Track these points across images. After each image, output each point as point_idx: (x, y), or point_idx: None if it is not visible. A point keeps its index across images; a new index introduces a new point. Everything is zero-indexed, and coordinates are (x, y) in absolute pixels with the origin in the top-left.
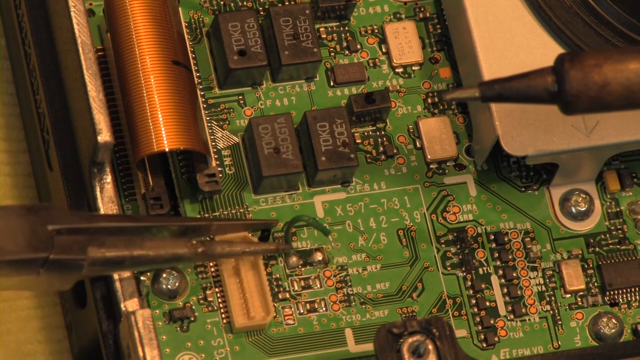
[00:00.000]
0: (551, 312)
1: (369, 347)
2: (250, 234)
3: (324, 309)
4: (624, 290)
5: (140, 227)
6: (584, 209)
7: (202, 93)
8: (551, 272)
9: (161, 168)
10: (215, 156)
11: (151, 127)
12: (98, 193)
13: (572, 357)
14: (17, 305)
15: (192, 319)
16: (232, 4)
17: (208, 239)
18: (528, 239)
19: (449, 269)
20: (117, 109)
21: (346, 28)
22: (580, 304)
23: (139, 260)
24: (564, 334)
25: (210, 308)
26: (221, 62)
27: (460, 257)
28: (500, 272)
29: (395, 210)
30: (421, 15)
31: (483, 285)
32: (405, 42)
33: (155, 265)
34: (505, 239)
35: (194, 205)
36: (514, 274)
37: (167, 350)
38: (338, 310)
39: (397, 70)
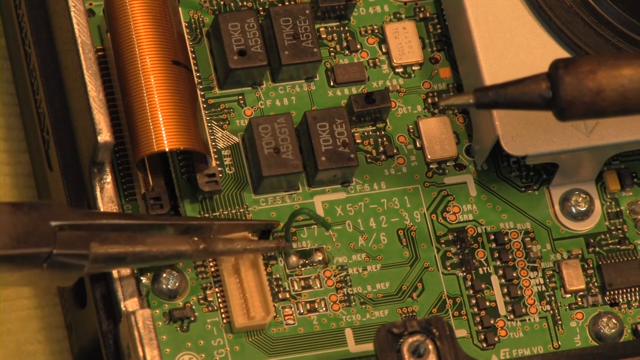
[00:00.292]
0: (551, 312)
1: (369, 347)
2: (250, 234)
3: (324, 309)
4: (624, 290)
5: (142, 225)
6: (584, 209)
7: (202, 93)
8: (551, 272)
9: (161, 168)
10: (215, 156)
11: (151, 127)
12: (98, 193)
13: (572, 357)
14: (17, 305)
15: (192, 319)
16: (232, 4)
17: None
18: (528, 239)
19: (449, 269)
20: (117, 109)
21: (346, 28)
22: (580, 304)
23: (141, 256)
24: (564, 334)
25: (210, 308)
26: (221, 62)
27: (460, 257)
28: (500, 272)
29: (395, 210)
30: (421, 15)
31: (483, 285)
32: (405, 42)
33: (156, 262)
34: (505, 239)
35: (194, 205)
36: (514, 274)
37: (167, 350)
38: (338, 310)
39: (397, 70)
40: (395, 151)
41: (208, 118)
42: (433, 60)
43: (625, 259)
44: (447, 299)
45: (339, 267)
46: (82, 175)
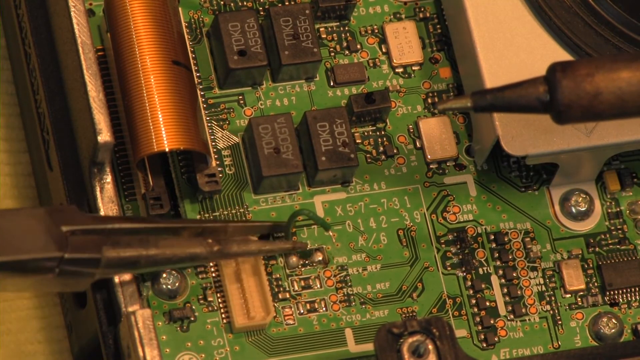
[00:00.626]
0: (551, 312)
1: (369, 347)
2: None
3: (324, 309)
4: (624, 290)
5: (156, 229)
6: (584, 209)
7: (202, 93)
8: (551, 272)
9: (161, 168)
10: (215, 156)
11: (151, 127)
12: (98, 193)
13: (572, 357)
14: (17, 305)
15: (192, 319)
16: (232, 4)
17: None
18: (528, 239)
19: (449, 269)
20: (117, 109)
21: (346, 28)
22: (580, 304)
23: (155, 259)
24: (564, 334)
25: (210, 308)
26: (221, 62)
27: (460, 257)
28: (500, 272)
29: (395, 210)
30: (421, 15)
31: (483, 285)
32: (405, 42)
33: (170, 265)
34: (505, 239)
35: (194, 205)
36: (514, 274)
37: (167, 350)
38: (338, 310)
39: (397, 70)
40: (395, 151)
41: (208, 118)
42: (433, 60)
43: (625, 259)
44: (447, 299)
45: (339, 267)
46: (82, 175)
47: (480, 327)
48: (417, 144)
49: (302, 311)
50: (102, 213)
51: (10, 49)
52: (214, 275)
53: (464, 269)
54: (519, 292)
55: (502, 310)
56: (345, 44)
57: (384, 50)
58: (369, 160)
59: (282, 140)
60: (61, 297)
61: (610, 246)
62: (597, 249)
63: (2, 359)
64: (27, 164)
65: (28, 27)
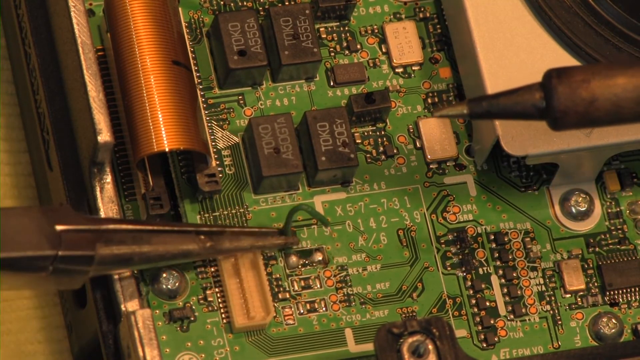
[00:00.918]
0: (551, 312)
1: (369, 347)
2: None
3: (324, 309)
4: (624, 290)
5: (151, 231)
6: (584, 209)
7: (202, 93)
8: (551, 272)
9: (161, 168)
10: (215, 156)
11: (151, 127)
12: (98, 193)
13: (572, 357)
14: (17, 305)
15: (192, 319)
16: (232, 4)
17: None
18: (528, 239)
19: (449, 269)
20: (117, 109)
21: (346, 28)
22: (580, 304)
23: (148, 256)
24: (564, 334)
25: (210, 308)
26: (221, 62)
27: (460, 257)
28: (500, 272)
29: (395, 210)
30: (421, 15)
31: (483, 285)
32: (405, 42)
33: (164, 262)
34: (505, 239)
35: (193, 205)
36: (514, 274)
37: (167, 350)
38: (338, 310)
39: (397, 70)
40: (395, 151)
41: (208, 118)
42: (433, 60)
43: (625, 259)
44: (447, 299)
45: (339, 267)
46: (82, 175)
47: (480, 327)
48: (417, 144)
49: (302, 311)
50: (102, 213)
51: (10, 49)
52: (214, 275)
53: (464, 269)
54: (519, 292)
55: (502, 310)
56: (345, 44)
57: (384, 50)
58: (369, 160)
59: (282, 140)
60: (61, 297)
61: (610, 246)
62: (597, 249)
63: (2, 359)
64: (27, 164)
65: (28, 27)
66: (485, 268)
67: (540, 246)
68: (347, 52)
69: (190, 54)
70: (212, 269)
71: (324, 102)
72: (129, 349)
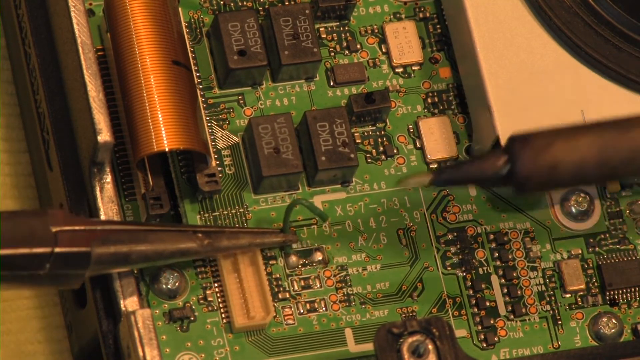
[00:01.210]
0: (551, 312)
1: (368, 347)
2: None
3: (323, 308)
4: (624, 290)
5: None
6: (584, 208)
7: (202, 93)
8: (551, 272)
9: (161, 168)
10: (215, 156)
11: (151, 127)
12: (98, 193)
13: (572, 357)
14: (17, 305)
15: (192, 318)
16: (232, 4)
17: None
18: (528, 238)
19: (449, 268)
20: (117, 108)
21: (346, 28)
22: (580, 303)
23: (146, 254)
24: (564, 334)
25: (210, 308)
26: (221, 62)
27: (460, 257)
28: (500, 272)
29: (395, 210)
30: (421, 15)
31: (483, 285)
32: (405, 42)
33: (162, 261)
34: (505, 239)
35: (193, 205)
36: (514, 274)
37: (167, 350)
38: (338, 310)
39: (397, 70)
40: (395, 151)
41: (208, 118)
42: (433, 60)
43: (625, 259)
44: (447, 298)
45: (339, 267)
46: (82, 175)
47: (480, 327)
48: (417, 143)
49: (302, 311)
50: (102, 213)
51: (10, 49)
52: (213, 275)
53: (463, 268)
54: (518, 292)
55: (502, 310)
56: (345, 44)
57: (383, 50)
58: (369, 160)
59: (282, 140)
60: (61, 297)
61: (610, 246)
62: (597, 249)
63: (2, 359)
64: (27, 164)
65: (28, 27)
66: (485, 268)
67: (540, 246)
68: (347, 52)
69: (190, 54)
70: (212, 269)
71: (323, 102)
72: (129, 349)
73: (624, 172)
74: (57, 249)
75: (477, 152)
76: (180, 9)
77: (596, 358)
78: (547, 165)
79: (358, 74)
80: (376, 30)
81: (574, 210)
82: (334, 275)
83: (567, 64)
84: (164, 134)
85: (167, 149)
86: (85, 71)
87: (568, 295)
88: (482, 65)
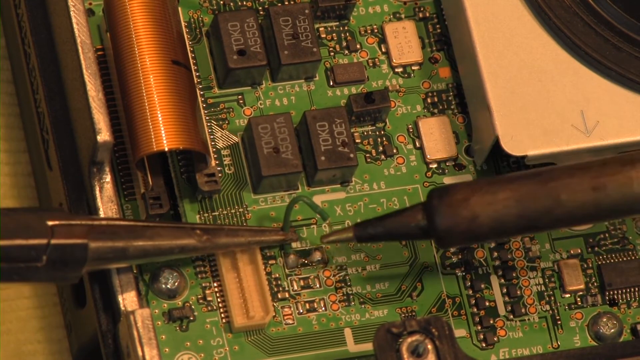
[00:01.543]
0: (550, 312)
1: (368, 346)
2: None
3: (323, 308)
4: (624, 290)
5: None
6: None
7: (201, 93)
8: (551, 272)
9: (161, 168)
10: (215, 156)
11: (150, 127)
12: (97, 193)
13: (571, 357)
14: (17, 305)
15: (192, 318)
16: (231, 4)
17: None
18: (527, 238)
19: (449, 268)
20: (116, 108)
21: (346, 28)
22: (579, 303)
23: (144, 248)
24: (564, 334)
25: (209, 308)
26: (221, 61)
27: (460, 256)
28: (500, 272)
29: (395, 210)
30: (421, 15)
31: (482, 285)
32: (405, 42)
33: (161, 257)
34: (505, 239)
35: (193, 204)
36: (514, 274)
37: (167, 349)
38: (337, 310)
39: (396, 70)
40: (394, 151)
41: (207, 118)
42: (433, 60)
43: (625, 259)
44: (446, 298)
45: (338, 267)
46: (81, 174)
47: (479, 327)
48: (417, 143)
49: (301, 311)
50: (101, 212)
51: (10, 49)
52: (213, 275)
53: (463, 268)
54: (518, 292)
55: (501, 310)
56: (344, 44)
57: (383, 50)
58: (369, 160)
59: (281, 140)
60: (61, 297)
61: (610, 246)
62: (596, 249)
63: (2, 359)
64: (27, 163)
65: (28, 27)
66: (484, 268)
67: (539, 246)
68: (346, 51)
69: (189, 54)
70: (212, 269)
71: (323, 101)
72: (128, 349)
73: (544, 224)
74: (53, 241)
75: (476, 152)
76: (179, 8)
77: (596, 358)
78: (466, 219)
79: (358, 74)
80: (376, 30)
81: None
82: (334, 275)
83: (566, 63)
84: (163, 133)
85: (166, 149)
86: (84, 71)
87: (567, 295)
88: (482, 65)
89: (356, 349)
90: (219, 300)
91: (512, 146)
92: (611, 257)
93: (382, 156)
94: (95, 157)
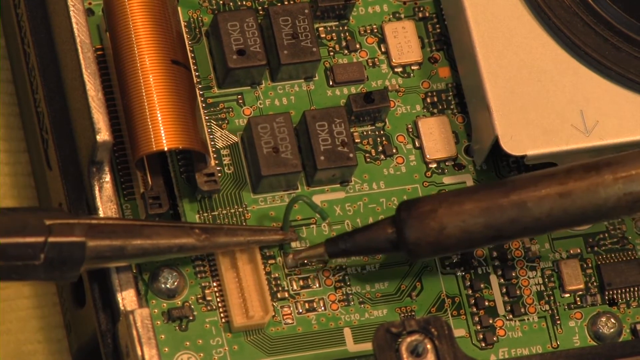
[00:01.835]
0: (550, 311)
1: (367, 346)
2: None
3: (322, 308)
4: (623, 290)
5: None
6: None
7: (201, 92)
8: (550, 272)
9: (160, 167)
10: (214, 155)
11: (150, 127)
12: (97, 192)
13: (571, 357)
14: (17, 305)
15: (191, 318)
16: (231, 4)
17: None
18: (527, 238)
19: (448, 268)
20: (116, 108)
21: (345, 27)
22: (579, 303)
23: (142, 247)
24: (563, 334)
25: (209, 307)
26: (220, 61)
27: (459, 256)
28: (499, 271)
29: (394, 210)
30: (420, 14)
31: (482, 285)
32: (405, 42)
33: (159, 256)
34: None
35: (192, 204)
36: (513, 274)
37: (166, 349)
38: (337, 310)
39: (396, 69)
40: (394, 151)
41: (207, 117)
42: (432, 59)
43: (624, 259)
44: (445, 298)
45: (338, 267)
46: (81, 174)
47: (479, 327)
48: (416, 143)
49: (300, 310)
50: (101, 212)
51: (10, 49)
52: (212, 274)
53: (462, 268)
54: (517, 292)
55: (500, 310)
56: (344, 44)
57: (383, 49)
58: (368, 159)
59: (281, 139)
60: (60, 297)
61: (609, 246)
62: (596, 249)
63: (1, 359)
64: (27, 163)
65: (27, 27)
66: (484, 267)
67: (539, 245)
68: (346, 51)
69: (189, 54)
70: (211, 268)
71: (323, 101)
72: (128, 348)
73: (512, 233)
74: (50, 239)
75: (476, 152)
76: (179, 8)
77: (595, 358)
78: (434, 230)
79: (357, 74)
80: (375, 30)
81: None
82: (333, 275)
83: (566, 63)
84: (163, 133)
85: (166, 149)
86: (84, 70)
87: (567, 295)
88: (482, 65)
89: (355, 349)
90: (218, 300)
91: (512, 146)
92: (611, 257)
93: (382, 156)
94: (94, 157)
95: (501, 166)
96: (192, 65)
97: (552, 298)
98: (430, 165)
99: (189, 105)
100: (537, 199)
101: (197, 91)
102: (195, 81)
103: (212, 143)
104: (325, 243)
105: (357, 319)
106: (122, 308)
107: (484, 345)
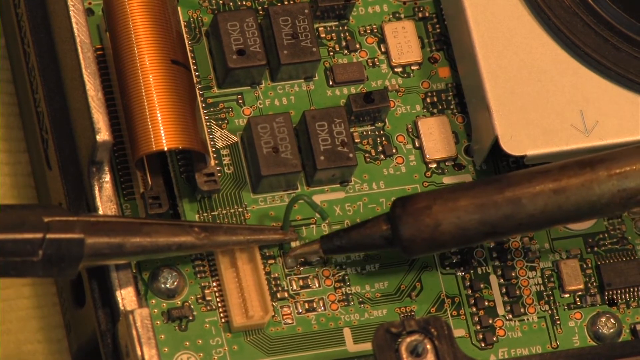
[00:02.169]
0: (550, 311)
1: (367, 346)
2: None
3: (322, 308)
4: (623, 290)
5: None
6: None
7: (201, 92)
8: (550, 272)
9: (160, 167)
10: (214, 155)
11: (150, 127)
12: (97, 192)
13: (570, 357)
14: (17, 305)
15: (191, 318)
16: (231, 4)
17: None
18: (527, 238)
19: (448, 268)
20: (116, 108)
21: (345, 27)
22: (578, 303)
23: (141, 245)
24: (563, 334)
25: (208, 307)
26: (220, 61)
27: (459, 256)
28: (499, 271)
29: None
30: (420, 14)
31: (482, 285)
32: (405, 42)
33: (159, 254)
34: (504, 239)
35: (192, 204)
36: (513, 274)
37: (166, 349)
38: (336, 310)
39: (396, 69)
40: (394, 151)
41: (207, 117)
42: (432, 59)
43: (624, 259)
44: (445, 298)
45: (338, 267)
46: (81, 174)
47: (478, 327)
48: (416, 143)
49: (300, 310)
50: (100, 212)
51: (10, 49)
52: (212, 274)
53: (462, 268)
54: (517, 292)
55: (500, 310)
56: (344, 44)
57: (383, 49)
58: (368, 159)
59: (280, 139)
60: (60, 297)
61: (609, 246)
62: (596, 249)
63: (1, 359)
64: (27, 163)
65: (27, 27)
66: (483, 267)
67: (539, 246)
68: (346, 51)
69: (189, 54)
70: (211, 268)
71: (322, 101)
72: (128, 348)
73: (506, 229)
74: (49, 235)
75: (476, 152)
76: (179, 8)
77: (595, 358)
78: (429, 226)
79: (357, 74)
80: (375, 30)
81: None
82: (333, 275)
83: (566, 63)
84: (162, 133)
85: (166, 149)
86: (84, 70)
87: (567, 295)
88: (481, 65)
89: (355, 349)
90: (218, 299)
91: (512, 146)
92: (610, 257)
93: (382, 156)
94: (94, 157)
95: (501, 166)
96: (192, 65)
97: (551, 298)
98: (430, 165)
99: (188, 105)
100: (531, 196)
101: (197, 91)
102: (195, 81)
103: (212, 143)
104: (320, 239)
105: (357, 319)
106: (121, 308)
107: (483, 345)
